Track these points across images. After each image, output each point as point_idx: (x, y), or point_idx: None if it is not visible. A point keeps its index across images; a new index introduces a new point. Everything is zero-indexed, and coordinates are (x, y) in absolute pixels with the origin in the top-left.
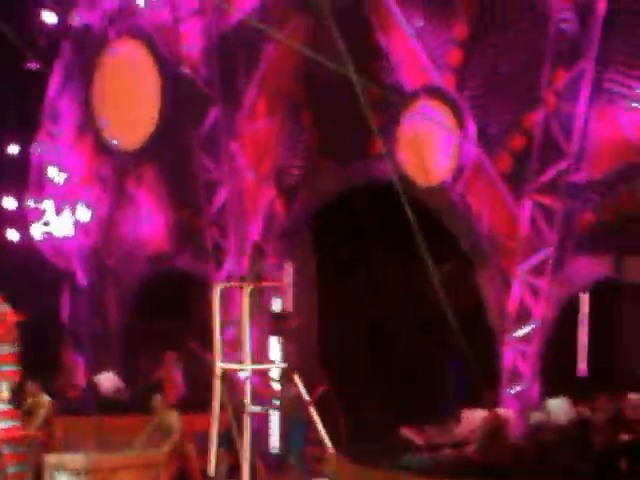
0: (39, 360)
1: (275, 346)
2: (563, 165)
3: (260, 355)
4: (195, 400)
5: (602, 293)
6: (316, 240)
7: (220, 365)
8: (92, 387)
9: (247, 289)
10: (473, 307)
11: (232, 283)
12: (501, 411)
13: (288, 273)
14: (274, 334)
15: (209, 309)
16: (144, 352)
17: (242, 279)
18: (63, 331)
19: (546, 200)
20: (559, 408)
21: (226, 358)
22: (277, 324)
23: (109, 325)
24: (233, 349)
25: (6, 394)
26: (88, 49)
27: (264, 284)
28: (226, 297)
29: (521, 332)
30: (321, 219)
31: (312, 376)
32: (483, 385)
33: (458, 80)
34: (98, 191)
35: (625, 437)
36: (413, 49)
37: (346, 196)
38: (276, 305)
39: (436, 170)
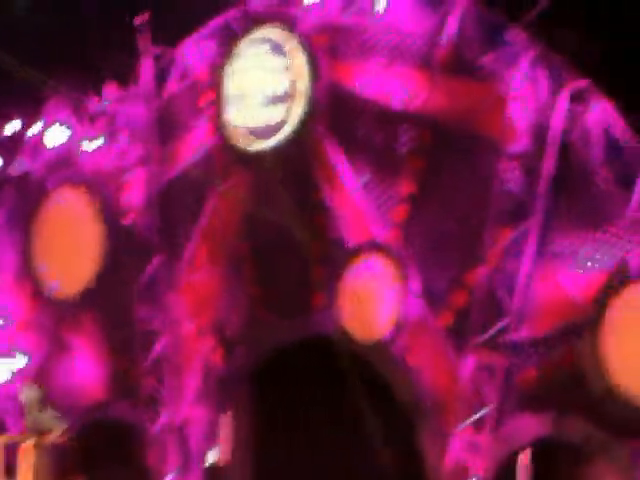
0: None
1: None
2: (504, 323)
3: None
4: None
5: (541, 452)
6: (255, 392)
7: None
8: None
9: (25, 446)
10: (415, 467)
11: (14, 437)
12: None
13: (225, 425)
14: None
15: (145, 459)
16: None
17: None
18: None
19: (487, 357)
20: None
21: None
22: (213, 477)
23: None
24: None
25: None
26: (29, 196)
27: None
28: None
29: None
30: (261, 372)
31: None
32: None
33: (403, 236)
34: (35, 338)
35: None
36: (357, 204)
37: (287, 350)
38: (212, 456)
39: (378, 325)
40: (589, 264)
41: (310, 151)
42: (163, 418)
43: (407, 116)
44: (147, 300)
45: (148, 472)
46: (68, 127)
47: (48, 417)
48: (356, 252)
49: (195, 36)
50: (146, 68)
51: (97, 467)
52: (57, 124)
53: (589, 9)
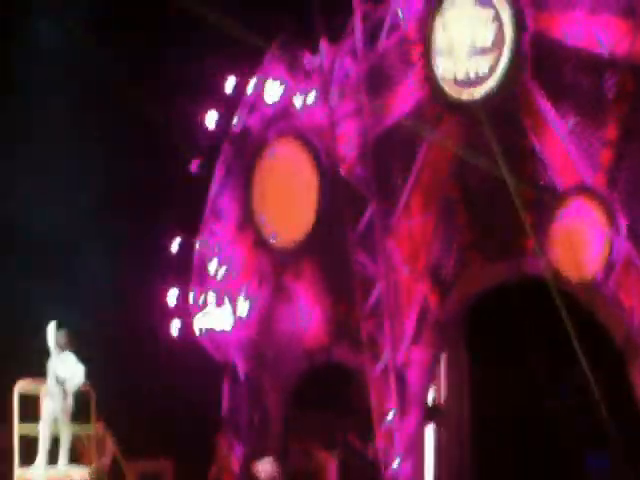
0: (197, 448)
1: (430, 434)
2: None
3: None
4: None
5: None
6: (469, 333)
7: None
8: (248, 474)
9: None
10: (626, 403)
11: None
12: None
13: (441, 364)
14: (428, 422)
15: (366, 401)
16: (301, 442)
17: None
18: (221, 420)
19: None
20: None
21: None
22: (431, 414)
23: (267, 415)
24: None
25: None
26: (248, 150)
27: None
28: None
29: None
30: (475, 313)
31: (464, 467)
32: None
33: (609, 179)
34: (257, 285)
35: None
36: (565, 149)
37: (499, 291)
38: (430, 396)
39: (588, 266)
40: None
41: (517, 99)
42: (383, 360)
43: (611, 62)
44: (364, 246)
45: (369, 412)
46: (284, 83)
47: (69, 362)
48: (565, 196)
49: None
50: (357, 24)
51: (319, 408)
52: (273, 80)
53: None
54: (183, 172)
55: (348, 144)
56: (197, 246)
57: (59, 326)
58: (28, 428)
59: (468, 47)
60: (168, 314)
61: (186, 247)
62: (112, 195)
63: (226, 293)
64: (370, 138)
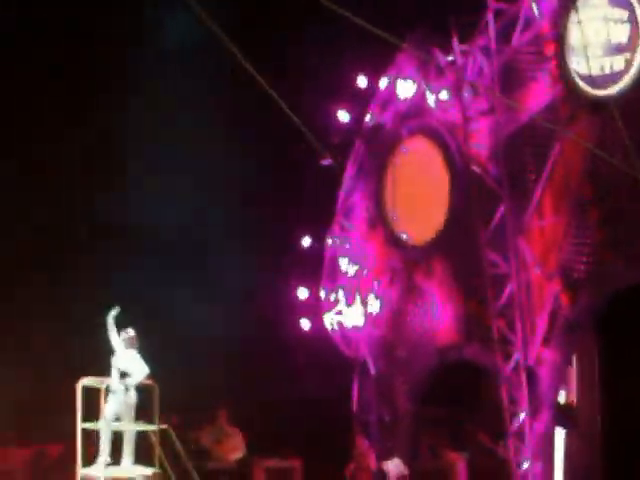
0: (327, 446)
1: (560, 437)
2: None
3: None
4: None
5: None
6: (601, 334)
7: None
8: (381, 473)
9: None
10: None
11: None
12: None
13: (572, 366)
14: (559, 425)
15: (497, 400)
16: (430, 440)
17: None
18: (352, 417)
19: None
20: None
21: None
22: (562, 416)
23: (397, 413)
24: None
25: None
26: (380, 147)
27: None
28: None
29: None
30: (607, 314)
31: (594, 471)
32: None
33: None
34: (388, 283)
35: None
36: None
37: (631, 291)
38: (561, 397)
39: None
40: None
41: None
42: (514, 359)
43: None
44: (495, 245)
45: (501, 411)
46: (416, 81)
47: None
48: None
49: None
50: (491, 21)
51: (450, 406)
52: (406, 78)
53: None
54: (315, 169)
55: (480, 142)
56: (328, 243)
57: (128, 324)
58: (92, 425)
59: (603, 44)
60: (299, 311)
61: (317, 244)
62: (243, 193)
63: (357, 291)
64: (503, 136)
